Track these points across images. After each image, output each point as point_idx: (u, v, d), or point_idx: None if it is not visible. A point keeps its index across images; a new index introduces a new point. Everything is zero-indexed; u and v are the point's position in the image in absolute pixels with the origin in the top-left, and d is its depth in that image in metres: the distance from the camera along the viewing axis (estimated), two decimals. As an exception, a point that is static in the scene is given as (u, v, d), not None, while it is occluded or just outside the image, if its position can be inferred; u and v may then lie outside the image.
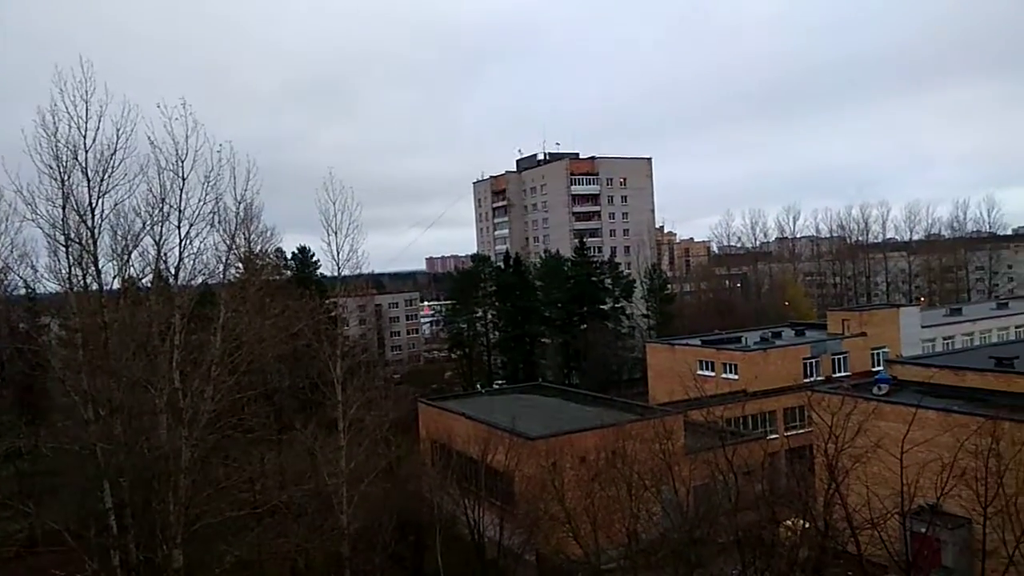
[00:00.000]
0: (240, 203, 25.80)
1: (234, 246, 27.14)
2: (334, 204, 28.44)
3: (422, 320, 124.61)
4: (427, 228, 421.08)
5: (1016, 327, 64.43)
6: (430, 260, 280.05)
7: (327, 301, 40.81)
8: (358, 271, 30.78)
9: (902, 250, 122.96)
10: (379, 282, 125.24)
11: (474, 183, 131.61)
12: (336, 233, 28.74)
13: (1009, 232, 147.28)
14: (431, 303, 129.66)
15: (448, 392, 67.64)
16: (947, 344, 58.91)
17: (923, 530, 24.94)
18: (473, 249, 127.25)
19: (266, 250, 46.78)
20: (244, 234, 29.14)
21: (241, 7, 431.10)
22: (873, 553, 24.23)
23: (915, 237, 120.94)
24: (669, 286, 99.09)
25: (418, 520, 31.87)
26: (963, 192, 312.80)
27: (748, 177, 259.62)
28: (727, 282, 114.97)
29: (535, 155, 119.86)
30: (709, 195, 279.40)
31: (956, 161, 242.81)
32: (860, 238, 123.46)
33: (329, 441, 29.87)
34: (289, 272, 70.96)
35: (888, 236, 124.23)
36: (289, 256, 75.97)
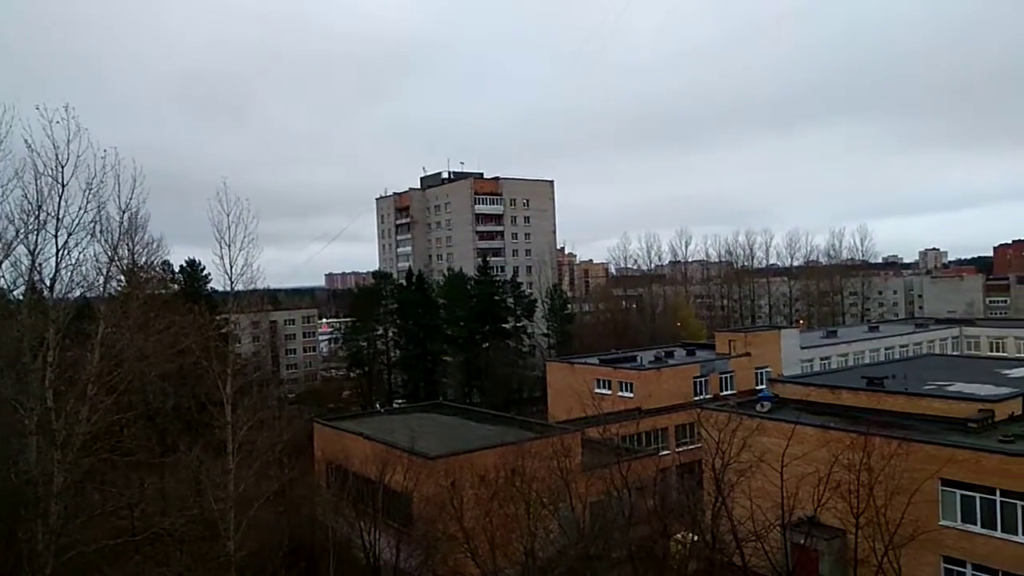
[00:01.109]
0: (124, 212, 24.42)
1: (116, 257, 25.62)
2: (228, 216, 27.27)
3: (320, 338, 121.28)
4: (327, 243, 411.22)
5: (886, 349, 69.54)
6: (330, 276, 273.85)
7: (218, 317, 39.09)
8: (252, 286, 29.56)
9: (784, 275, 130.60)
10: (275, 298, 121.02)
11: (377, 199, 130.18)
12: (229, 246, 27.55)
13: (880, 260, 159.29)
14: (330, 320, 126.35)
15: (346, 412, 66.01)
16: (824, 364, 62.82)
17: (802, 541, 26.34)
18: (375, 266, 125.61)
19: (151, 262, 44.29)
20: (128, 245, 27.54)
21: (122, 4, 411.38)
22: (757, 564, 25.41)
23: (795, 263, 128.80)
24: (569, 306, 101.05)
25: (311, 544, 30.84)
26: (839, 222, 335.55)
27: (645, 202, 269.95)
28: (624, 303, 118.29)
29: (439, 173, 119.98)
30: (608, 219, 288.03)
31: (834, 193, 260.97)
32: (746, 263, 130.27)
33: (216, 464, 28.47)
34: (176, 286, 67.45)
35: (771, 262, 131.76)
36: (177, 269, 72.37)
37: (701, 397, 52.09)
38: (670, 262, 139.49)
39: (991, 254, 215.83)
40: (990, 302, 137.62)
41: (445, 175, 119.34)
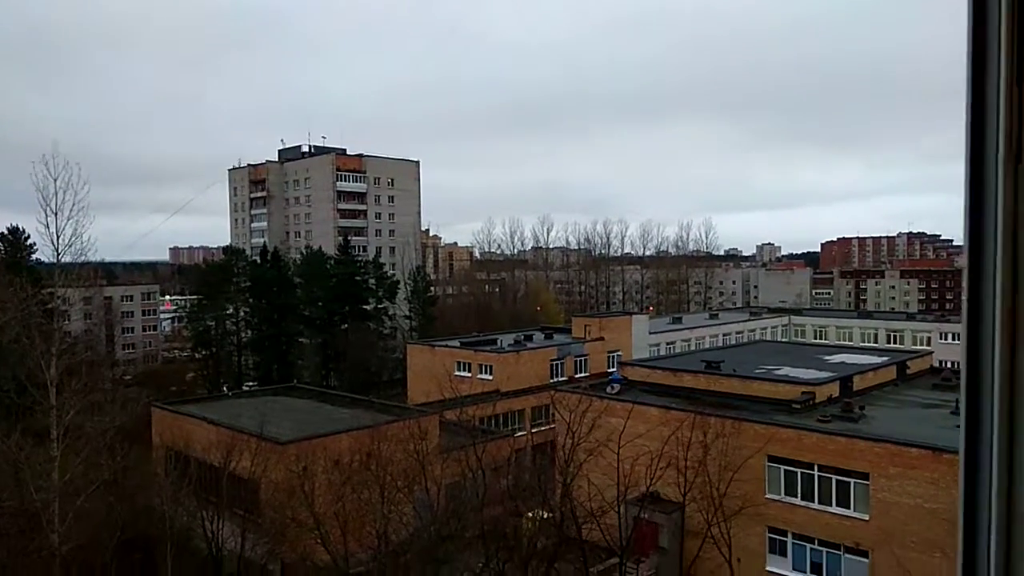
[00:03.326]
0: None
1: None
2: (55, 181, 25.00)
3: (162, 316, 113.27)
4: (171, 215, 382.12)
5: (724, 335, 74.86)
6: (175, 250, 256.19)
7: (42, 291, 35.56)
8: (83, 258, 27.27)
9: (637, 264, 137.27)
10: (111, 272, 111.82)
11: (230, 170, 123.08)
12: (56, 214, 25.25)
13: (722, 253, 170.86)
14: (173, 298, 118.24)
15: (189, 395, 62.28)
16: (669, 349, 66.73)
17: (644, 516, 27.92)
18: (226, 241, 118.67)
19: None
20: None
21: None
22: (602, 539, 26.66)
23: (648, 253, 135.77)
24: (432, 288, 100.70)
25: (147, 536, 28.94)
26: (688, 215, 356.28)
27: (510, 187, 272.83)
28: (487, 287, 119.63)
29: (299, 147, 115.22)
30: (473, 202, 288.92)
31: (684, 187, 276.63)
32: (603, 252, 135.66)
33: (39, 451, 26.06)
34: (-5, 256, 60.70)
35: (626, 251, 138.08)
36: (-4, 237, 65.08)
37: (557, 379, 53.73)
38: (533, 248, 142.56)
39: (819, 250, 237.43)
40: (816, 294, 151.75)
41: (305, 149, 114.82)
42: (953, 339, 66.68)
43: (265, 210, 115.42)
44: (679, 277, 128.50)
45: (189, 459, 32.93)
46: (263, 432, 32.06)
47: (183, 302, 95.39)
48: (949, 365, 45.48)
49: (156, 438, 41.50)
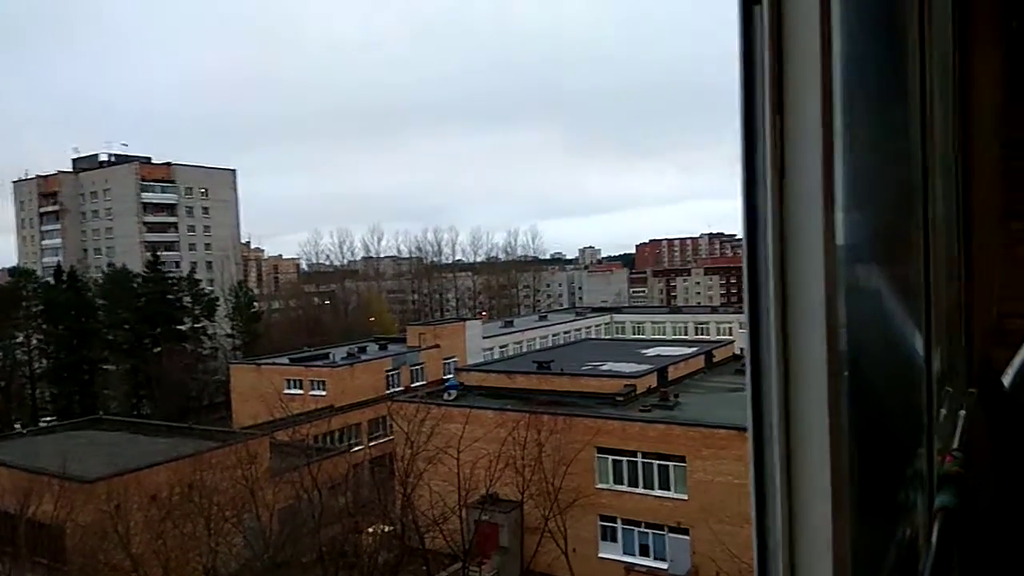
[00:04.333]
0: None
1: None
2: None
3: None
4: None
5: (553, 335, 77.76)
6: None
7: None
8: None
9: (468, 270, 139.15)
10: None
11: (14, 182, 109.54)
12: None
13: (548, 257, 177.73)
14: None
15: (-28, 437, 54.62)
16: (503, 352, 68.18)
17: (485, 517, 28.34)
18: (12, 261, 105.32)
19: None
20: None
21: None
22: (444, 546, 26.72)
23: (478, 259, 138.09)
24: (256, 304, 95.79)
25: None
26: (515, 222, 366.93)
27: (337, 196, 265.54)
28: (316, 299, 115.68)
29: (97, 155, 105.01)
30: (298, 212, 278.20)
31: (511, 194, 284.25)
32: (435, 259, 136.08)
33: None
34: None
35: (457, 258, 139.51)
36: None
37: (394, 390, 53.09)
38: (363, 258, 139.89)
39: (634, 251, 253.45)
40: (633, 292, 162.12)
41: (105, 158, 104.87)
42: (752, 328, 73.81)
43: (58, 226, 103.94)
44: (509, 282, 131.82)
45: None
46: (66, 471, 28.92)
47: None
48: (750, 352, 50.27)
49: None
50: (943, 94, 2.47)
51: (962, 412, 2.52)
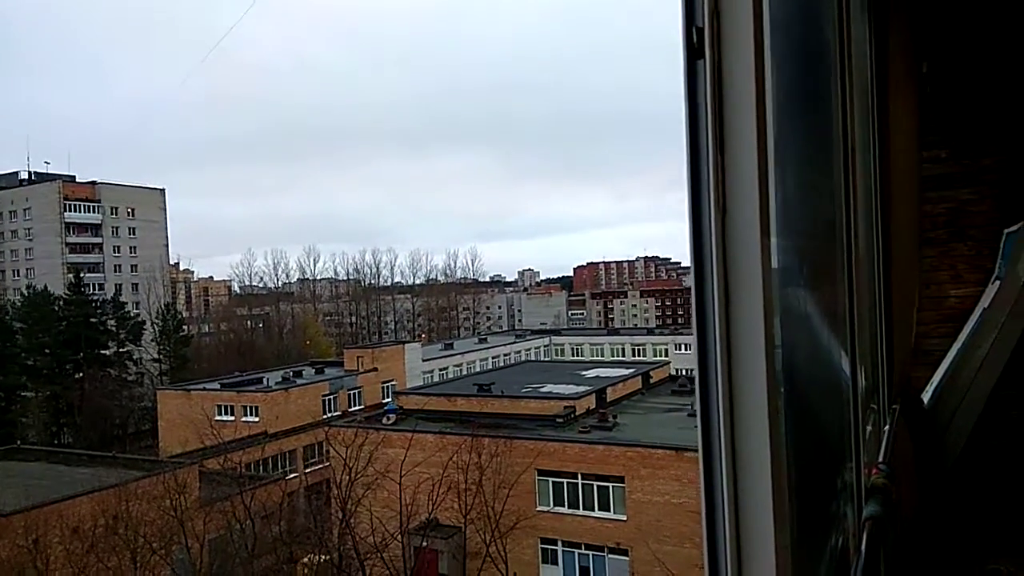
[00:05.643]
0: None
1: None
2: None
3: None
4: None
5: (493, 357, 77.75)
6: None
7: None
8: None
9: (407, 292, 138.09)
10: None
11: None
12: None
13: (487, 279, 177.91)
14: None
15: None
16: (443, 375, 67.73)
17: (425, 543, 27.95)
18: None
19: None
20: None
21: None
22: (385, 574, 26.21)
23: (418, 281, 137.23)
24: (186, 327, 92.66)
25: None
26: (454, 244, 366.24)
27: (271, 217, 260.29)
28: (249, 322, 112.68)
29: (16, 173, 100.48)
30: (230, 233, 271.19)
31: (451, 217, 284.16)
32: (373, 281, 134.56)
33: None
34: None
35: (396, 280, 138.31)
36: None
37: (331, 415, 52.02)
38: (298, 279, 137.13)
39: (572, 274, 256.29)
40: (572, 314, 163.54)
41: (24, 176, 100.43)
42: (686, 349, 75.53)
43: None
44: (449, 304, 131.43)
45: None
46: (-23, 506, 27.26)
47: None
48: (684, 372, 51.40)
49: None
50: (863, 135, 2.68)
51: (886, 427, 2.70)
